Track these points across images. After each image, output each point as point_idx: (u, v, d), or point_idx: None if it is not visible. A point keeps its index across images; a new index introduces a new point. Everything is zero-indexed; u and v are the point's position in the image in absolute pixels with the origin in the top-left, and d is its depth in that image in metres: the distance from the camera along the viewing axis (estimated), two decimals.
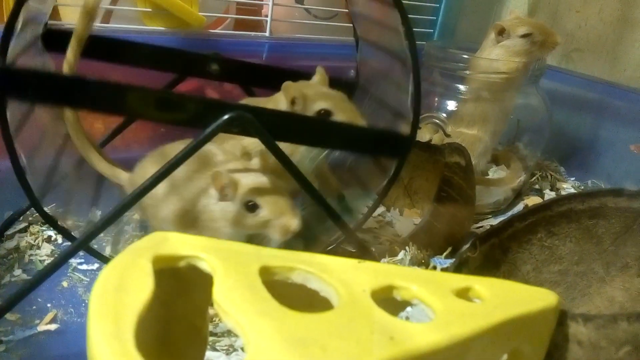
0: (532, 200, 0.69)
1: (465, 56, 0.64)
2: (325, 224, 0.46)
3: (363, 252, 0.47)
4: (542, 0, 0.92)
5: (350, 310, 0.23)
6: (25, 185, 0.38)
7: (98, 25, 0.68)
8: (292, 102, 0.44)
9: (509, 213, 0.66)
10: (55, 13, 0.65)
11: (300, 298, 0.24)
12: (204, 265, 0.25)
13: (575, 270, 0.42)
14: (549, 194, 0.71)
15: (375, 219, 0.60)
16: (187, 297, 0.28)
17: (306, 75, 0.50)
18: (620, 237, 0.41)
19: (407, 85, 0.44)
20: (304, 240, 0.46)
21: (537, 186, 0.73)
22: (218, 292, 0.23)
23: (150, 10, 0.63)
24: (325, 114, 0.44)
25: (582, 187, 0.75)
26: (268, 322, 0.21)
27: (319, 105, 0.44)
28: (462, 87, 0.64)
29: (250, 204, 0.40)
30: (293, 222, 0.40)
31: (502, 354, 0.26)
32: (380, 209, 0.63)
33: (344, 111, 0.44)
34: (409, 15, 0.40)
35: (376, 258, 0.49)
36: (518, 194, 0.69)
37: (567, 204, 0.41)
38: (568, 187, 0.74)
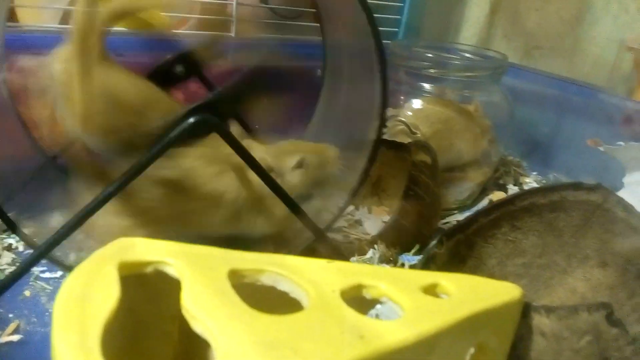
0: (497, 195, 0.70)
1: (429, 55, 0.65)
2: (295, 225, 0.46)
3: (333, 251, 0.47)
4: None
5: (320, 311, 0.23)
6: None
7: (58, 26, 0.66)
8: (270, 170, 0.44)
9: (475, 208, 0.67)
10: (11, 15, 0.63)
11: (270, 300, 0.24)
12: (172, 271, 0.24)
13: (538, 262, 0.43)
14: (513, 189, 0.73)
15: (344, 217, 0.61)
16: (155, 303, 0.27)
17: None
18: (580, 230, 0.42)
19: (373, 84, 0.44)
20: (274, 242, 0.46)
21: (501, 181, 0.75)
22: (186, 297, 0.22)
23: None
24: (300, 163, 0.46)
25: (544, 181, 0.77)
26: (238, 325, 0.21)
27: (292, 160, 0.46)
28: (427, 86, 0.65)
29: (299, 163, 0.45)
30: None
31: (469, 347, 0.27)
32: (349, 208, 0.63)
33: (313, 152, 0.47)
34: (374, 15, 0.41)
35: (345, 257, 0.50)
36: (483, 189, 0.70)
37: (530, 199, 0.42)
38: (530, 182, 0.76)
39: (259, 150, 0.44)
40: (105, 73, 0.40)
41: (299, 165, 0.46)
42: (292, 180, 0.46)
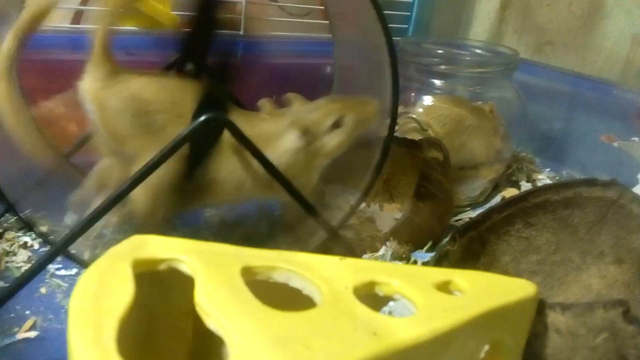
0: (509, 192, 0.70)
1: (440, 51, 0.65)
2: (307, 222, 0.46)
3: (345, 248, 0.47)
4: None
5: (333, 308, 0.23)
6: (0, 191, 0.38)
7: (69, 26, 0.67)
8: (306, 133, 0.43)
9: (487, 205, 0.67)
10: None
11: (282, 297, 0.24)
12: (185, 268, 0.25)
13: (552, 259, 0.43)
14: (525, 186, 0.72)
15: (356, 214, 0.61)
16: (168, 300, 0.27)
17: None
18: (595, 226, 0.41)
19: (384, 82, 0.44)
20: (287, 239, 0.47)
21: (513, 178, 0.74)
22: (200, 294, 0.22)
23: (122, 10, 0.62)
24: (338, 121, 0.44)
25: (557, 178, 0.76)
26: (251, 322, 0.21)
27: (329, 120, 0.44)
28: (438, 82, 0.65)
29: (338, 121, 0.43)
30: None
31: (483, 344, 0.27)
32: (361, 205, 0.63)
33: (351, 109, 0.45)
34: (384, 11, 0.41)
35: (357, 254, 0.49)
36: (495, 186, 0.70)
37: (543, 195, 0.42)
38: (543, 178, 0.75)
39: (293, 113, 0.43)
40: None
41: (337, 124, 0.43)
42: (331, 141, 0.44)
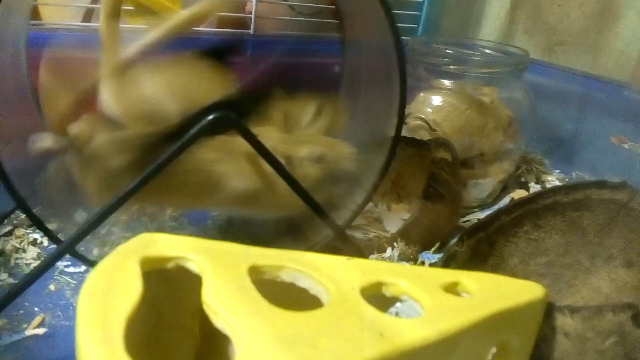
0: (518, 194, 0.69)
1: (449, 51, 0.65)
2: (313, 221, 0.46)
3: (352, 249, 0.47)
4: None
5: (339, 308, 0.23)
6: (11, 187, 0.38)
7: (80, 24, 0.67)
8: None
9: (495, 207, 0.66)
10: (35, 13, 0.64)
11: (289, 296, 0.24)
12: (193, 266, 0.25)
13: (561, 262, 0.43)
14: (534, 187, 0.72)
15: (363, 214, 0.61)
16: (176, 298, 0.27)
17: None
18: (604, 229, 0.41)
19: (392, 81, 0.44)
20: (293, 238, 0.47)
21: (522, 179, 0.74)
22: (207, 293, 0.22)
23: (132, 8, 0.62)
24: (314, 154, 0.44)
25: (567, 180, 0.76)
26: (258, 321, 0.21)
27: (305, 150, 0.44)
28: (447, 82, 0.65)
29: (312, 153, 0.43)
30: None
31: (490, 347, 0.27)
32: (368, 205, 0.63)
33: (327, 146, 0.45)
34: (393, 11, 0.40)
35: (365, 255, 0.49)
36: (504, 188, 0.69)
37: (552, 197, 0.42)
38: (553, 180, 0.75)
39: (272, 137, 0.43)
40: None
41: (312, 155, 0.44)
42: (303, 171, 0.44)
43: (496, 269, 0.42)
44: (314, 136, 0.47)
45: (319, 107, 0.45)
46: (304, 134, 0.47)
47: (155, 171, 0.37)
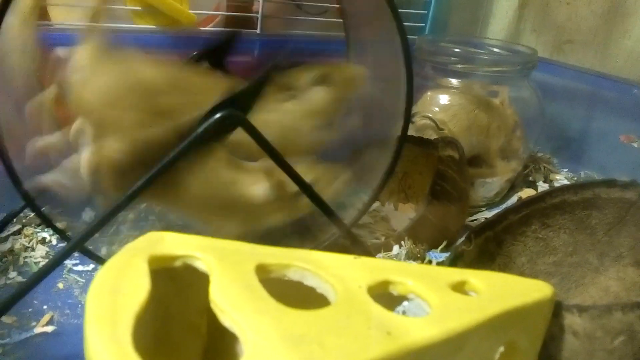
0: (526, 193, 0.69)
1: (457, 50, 0.64)
2: (320, 220, 0.46)
3: (359, 247, 0.47)
4: None
5: (347, 307, 0.23)
6: (20, 186, 0.38)
7: (87, 24, 0.67)
8: (281, 89, 0.41)
9: (503, 206, 0.66)
10: (43, 13, 0.64)
11: (296, 295, 0.24)
12: (200, 265, 0.25)
13: (569, 261, 0.42)
14: (543, 186, 0.71)
15: (370, 214, 0.61)
16: (184, 297, 0.28)
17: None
18: (613, 228, 0.41)
19: (399, 80, 0.44)
20: (300, 237, 0.47)
21: (530, 178, 0.73)
22: (215, 291, 0.23)
23: (140, 8, 0.62)
24: (321, 77, 0.41)
25: (575, 179, 0.75)
26: (265, 320, 0.21)
27: (309, 75, 0.41)
28: (454, 81, 0.65)
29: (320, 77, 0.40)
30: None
31: (498, 346, 0.27)
32: (375, 204, 0.63)
33: (335, 68, 0.43)
34: (400, 10, 0.40)
35: (372, 253, 0.49)
36: (512, 187, 0.69)
37: (561, 196, 0.42)
38: (561, 179, 0.74)
39: (270, 108, 0.40)
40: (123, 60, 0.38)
41: (320, 78, 0.41)
42: (314, 97, 0.41)
43: (504, 268, 0.41)
44: (317, 64, 0.43)
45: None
46: (303, 66, 0.43)
47: (162, 170, 0.37)
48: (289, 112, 0.41)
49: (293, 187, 0.40)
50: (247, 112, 0.39)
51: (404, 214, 0.62)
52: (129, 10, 0.63)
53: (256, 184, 0.41)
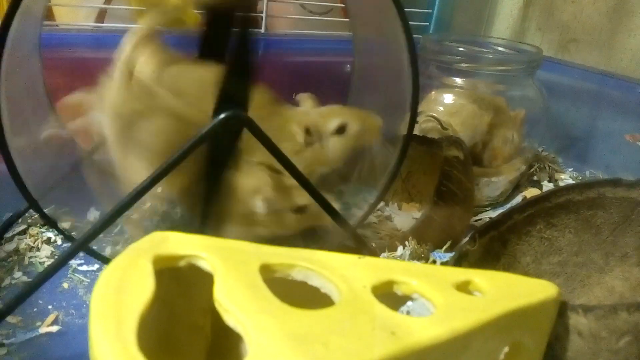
0: (531, 192, 0.69)
1: (461, 49, 0.64)
2: (325, 221, 0.46)
3: (363, 247, 0.47)
4: None
5: (351, 306, 0.23)
6: (23, 187, 0.38)
7: (92, 24, 0.67)
8: (307, 132, 0.43)
9: (508, 205, 0.66)
10: (49, 14, 0.65)
11: (301, 295, 0.24)
12: (205, 265, 0.25)
13: (574, 261, 0.42)
14: (547, 186, 0.71)
15: (374, 214, 0.60)
16: (188, 297, 0.28)
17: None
18: (619, 227, 0.41)
19: (404, 80, 0.44)
20: (304, 237, 0.46)
21: (535, 178, 0.73)
22: (219, 291, 0.23)
23: (144, 9, 0.62)
24: (342, 127, 0.43)
25: (580, 178, 0.75)
26: (270, 319, 0.21)
27: (333, 123, 0.43)
28: (459, 81, 0.64)
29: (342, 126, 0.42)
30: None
31: (503, 346, 0.26)
32: (379, 204, 0.63)
33: (356, 118, 0.44)
34: (405, 9, 0.40)
35: (376, 253, 0.49)
36: (516, 186, 0.69)
37: (566, 195, 0.41)
38: (566, 178, 0.74)
39: (297, 113, 0.42)
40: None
41: (341, 129, 0.43)
42: (332, 146, 0.43)
43: (508, 268, 0.41)
44: (339, 108, 0.45)
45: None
46: (327, 108, 0.45)
47: (167, 170, 0.37)
48: (303, 160, 0.43)
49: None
50: (247, 110, 0.39)
51: (407, 214, 0.62)
52: (133, 11, 0.63)
53: (256, 196, 0.41)
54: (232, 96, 0.37)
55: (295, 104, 0.48)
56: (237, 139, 0.38)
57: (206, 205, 0.40)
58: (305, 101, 0.47)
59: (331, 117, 0.44)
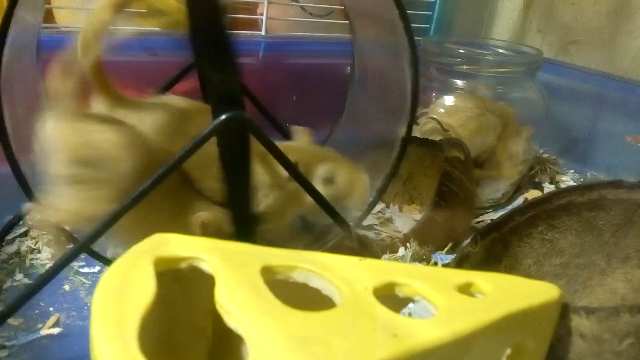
0: (532, 194, 0.69)
1: (462, 51, 0.64)
2: (325, 221, 0.46)
3: (364, 249, 0.47)
4: None
5: (352, 308, 0.23)
6: (26, 188, 0.38)
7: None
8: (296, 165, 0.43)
9: (509, 207, 0.66)
10: (49, 16, 0.65)
11: (302, 297, 0.24)
12: (206, 266, 0.25)
13: (576, 262, 0.42)
14: (549, 187, 0.71)
15: (375, 215, 0.60)
16: (189, 298, 0.28)
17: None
18: (620, 229, 0.41)
19: (404, 82, 0.44)
20: (305, 239, 0.46)
21: (536, 179, 0.73)
22: (220, 293, 0.23)
23: (144, 10, 0.63)
24: (330, 176, 0.44)
25: (582, 180, 0.75)
26: (271, 321, 0.21)
27: (322, 171, 0.44)
28: (459, 82, 0.64)
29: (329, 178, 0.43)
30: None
31: (505, 348, 0.26)
32: (380, 206, 0.63)
33: (345, 171, 0.44)
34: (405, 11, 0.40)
35: (377, 255, 0.49)
36: (517, 188, 0.69)
37: (567, 197, 0.41)
38: (567, 180, 0.74)
39: (290, 147, 0.43)
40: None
41: (328, 179, 0.43)
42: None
43: (510, 269, 0.41)
44: (335, 156, 0.46)
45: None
46: (323, 150, 0.46)
47: (168, 172, 0.37)
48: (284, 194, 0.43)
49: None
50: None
51: (408, 216, 0.61)
52: (133, 12, 0.63)
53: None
54: (228, 97, 0.37)
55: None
56: (246, 139, 0.38)
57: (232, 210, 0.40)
58: (300, 135, 0.47)
59: (323, 162, 0.44)
